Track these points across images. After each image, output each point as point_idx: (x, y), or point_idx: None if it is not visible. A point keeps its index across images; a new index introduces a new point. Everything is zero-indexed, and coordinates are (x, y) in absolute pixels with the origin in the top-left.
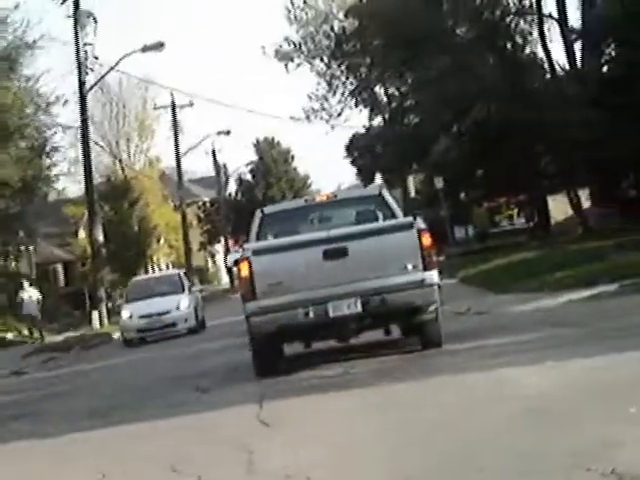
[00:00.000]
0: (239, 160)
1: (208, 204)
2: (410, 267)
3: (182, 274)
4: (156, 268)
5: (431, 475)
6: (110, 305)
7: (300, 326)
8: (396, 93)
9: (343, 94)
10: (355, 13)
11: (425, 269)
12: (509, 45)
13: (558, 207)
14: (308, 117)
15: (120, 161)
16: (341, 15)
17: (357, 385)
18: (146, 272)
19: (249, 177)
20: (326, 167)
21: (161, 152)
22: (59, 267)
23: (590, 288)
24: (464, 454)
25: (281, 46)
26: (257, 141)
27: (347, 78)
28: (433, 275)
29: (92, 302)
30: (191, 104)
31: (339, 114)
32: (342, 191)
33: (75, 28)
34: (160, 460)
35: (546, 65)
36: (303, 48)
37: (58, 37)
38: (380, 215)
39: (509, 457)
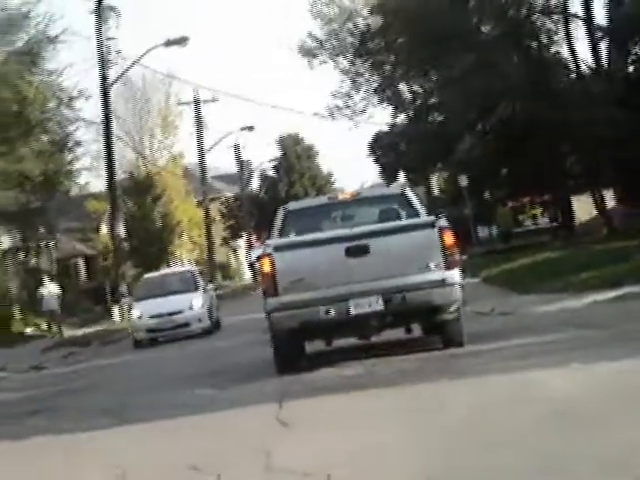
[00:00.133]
0: (262, 156)
1: (231, 200)
2: (432, 266)
3: (196, 271)
4: (178, 264)
5: (453, 476)
6: (131, 300)
7: (321, 323)
8: (420, 91)
9: (367, 91)
10: (380, 10)
11: (447, 268)
12: (534, 44)
13: (582, 207)
14: (332, 114)
15: (143, 157)
16: (365, 12)
17: (379, 385)
18: (168, 267)
19: (272, 173)
20: (349, 165)
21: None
22: (80, 262)
23: (615, 289)
24: (487, 456)
25: (305, 42)
26: (281, 137)
27: (371, 75)
28: (455, 274)
29: (113, 297)
30: (215, 100)
31: (363, 111)
32: (365, 189)
33: (98, 22)
34: (179, 458)
35: (571, 64)
36: (327, 45)
37: (80, 31)
38: (403, 213)
39: (534, 460)
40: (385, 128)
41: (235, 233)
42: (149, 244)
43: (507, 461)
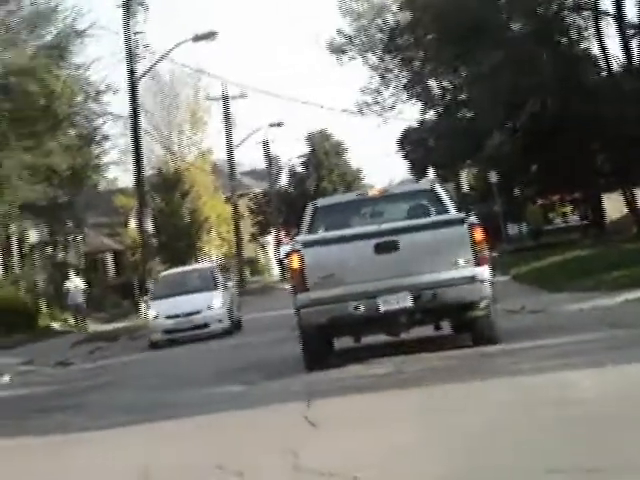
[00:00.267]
0: (291, 152)
1: (260, 196)
2: (461, 262)
3: (216, 268)
4: (207, 260)
5: (483, 477)
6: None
7: (350, 319)
8: (450, 87)
9: (396, 87)
10: (409, 6)
11: (477, 265)
12: (564, 40)
13: (613, 205)
14: (361, 110)
15: (172, 153)
16: (395, 8)
17: (408, 384)
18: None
19: (301, 169)
20: (378, 161)
21: (213, 144)
22: (109, 257)
23: None
24: (519, 457)
25: (334, 38)
26: (310, 133)
27: (400, 71)
28: (485, 271)
29: (141, 292)
30: (243, 95)
31: (392, 107)
32: (394, 185)
33: (126, 16)
34: (204, 457)
35: (602, 61)
36: (356, 41)
37: (108, 25)
38: (432, 210)
39: (564, 462)
40: (414, 124)
41: (263, 229)
42: (177, 240)
43: (536, 464)
